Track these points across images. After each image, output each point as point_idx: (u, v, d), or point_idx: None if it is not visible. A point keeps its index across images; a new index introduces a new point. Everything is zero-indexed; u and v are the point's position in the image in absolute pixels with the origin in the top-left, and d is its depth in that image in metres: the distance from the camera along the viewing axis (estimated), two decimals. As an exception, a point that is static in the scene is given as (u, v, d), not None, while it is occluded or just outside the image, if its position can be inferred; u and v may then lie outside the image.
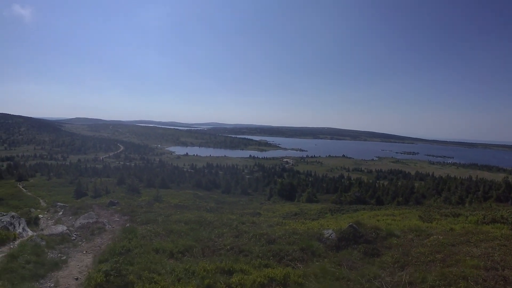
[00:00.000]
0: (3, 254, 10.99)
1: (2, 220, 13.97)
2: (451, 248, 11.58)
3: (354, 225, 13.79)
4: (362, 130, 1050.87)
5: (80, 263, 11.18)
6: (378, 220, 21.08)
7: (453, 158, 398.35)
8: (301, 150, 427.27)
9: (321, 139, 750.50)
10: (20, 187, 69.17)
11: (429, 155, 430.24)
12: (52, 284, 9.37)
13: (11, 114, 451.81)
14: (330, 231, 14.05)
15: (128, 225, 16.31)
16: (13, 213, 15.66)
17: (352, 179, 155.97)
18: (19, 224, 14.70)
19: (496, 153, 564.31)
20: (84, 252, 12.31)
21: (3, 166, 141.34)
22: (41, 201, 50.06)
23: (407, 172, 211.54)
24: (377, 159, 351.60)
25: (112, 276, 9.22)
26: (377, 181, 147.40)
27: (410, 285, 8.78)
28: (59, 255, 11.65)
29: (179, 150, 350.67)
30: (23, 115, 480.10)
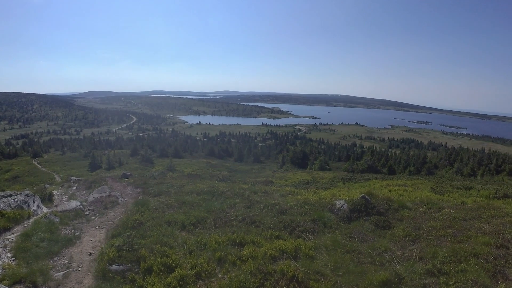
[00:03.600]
0: (18, 233, 11.10)
1: (16, 200, 14.07)
2: (462, 223, 11.52)
3: (366, 196, 13.71)
4: (376, 98, 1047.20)
5: (93, 238, 11.27)
6: (390, 191, 20.98)
7: (466, 129, 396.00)
8: (314, 117, 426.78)
9: (334, 106, 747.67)
10: (35, 163, 70.17)
11: (443, 125, 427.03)
12: (66, 261, 9.45)
13: (24, 92, 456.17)
14: (342, 201, 14.00)
15: (140, 197, 16.39)
16: (27, 191, 15.78)
17: (364, 147, 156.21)
18: (34, 202, 14.84)
19: (511, 126, 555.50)
20: (97, 227, 12.39)
21: (18, 144, 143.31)
22: (56, 176, 50.77)
23: (419, 142, 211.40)
24: (390, 127, 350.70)
25: (124, 251, 9.28)
26: (390, 150, 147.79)
27: (420, 260, 8.72)
28: (72, 231, 11.75)
29: (191, 119, 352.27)
30: (35, 92, 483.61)
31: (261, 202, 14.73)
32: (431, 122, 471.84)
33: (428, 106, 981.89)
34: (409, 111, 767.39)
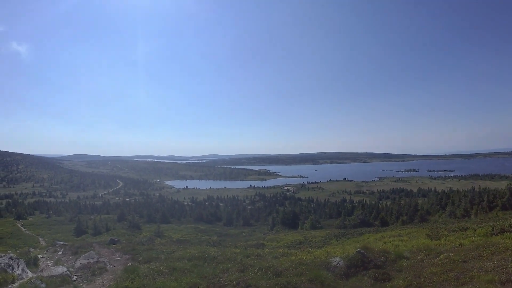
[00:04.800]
0: (1, 299, 10.66)
1: None
2: (463, 265, 11.40)
3: (361, 251, 13.51)
4: (361, 152, 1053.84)
5: (81, 306, 10.82)
6: (385, 243, 20.82)
7: (454, 171, 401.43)
8: (301, 176, 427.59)
9: (321, 164, 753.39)
10: (19, 225, 69.21)
11: (430, 171, 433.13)
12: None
13: (9, 151, 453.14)
14: (337, 258, 13.76)
15: (129, 264, 15.99)
16: (11, 254, 15.35)
17: (354, 202, 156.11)
18: (18, 266, 14.40)
19: (496, 161, 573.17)
20: (85, 294, 11.94)
21: (1, 204, 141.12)
22: (40, 239, 49.84)
23: (409, 190, 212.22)
24: (378, 179, 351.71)
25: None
26: (380, 202, 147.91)
27: (426, 308, 8.47)
28: (59, 298, 11.30)
29: (178, 184, 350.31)
30: (21, 152, 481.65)
31: (254, 265, 14.38)
32: (419, 169, 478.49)
33: (414, 154, 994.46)
34: (396, 161, 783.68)
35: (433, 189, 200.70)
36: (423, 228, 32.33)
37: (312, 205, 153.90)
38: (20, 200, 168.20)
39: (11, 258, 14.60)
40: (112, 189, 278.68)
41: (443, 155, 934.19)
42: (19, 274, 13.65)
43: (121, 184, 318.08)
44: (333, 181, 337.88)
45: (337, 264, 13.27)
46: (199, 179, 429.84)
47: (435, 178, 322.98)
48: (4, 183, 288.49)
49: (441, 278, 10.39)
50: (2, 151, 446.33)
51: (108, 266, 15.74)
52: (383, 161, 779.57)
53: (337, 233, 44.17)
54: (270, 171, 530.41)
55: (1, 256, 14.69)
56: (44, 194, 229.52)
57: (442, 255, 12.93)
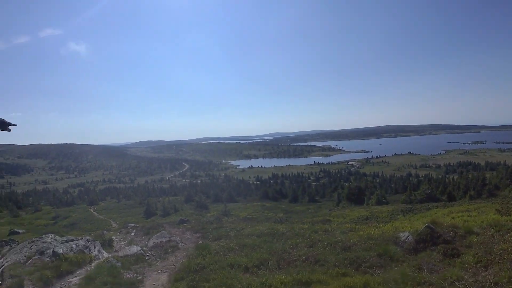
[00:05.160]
0: (81, 277, 11.30)
1: (77, 244, 14.47)
2: None
3: (431, 225, 13.12)
4: (426, 123, 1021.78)
5: (156, 282, 11.24)
6: (453, 218, 20.06)
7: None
8: (365, 151, 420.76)
9: (385, 137, 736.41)
10: (92, 211, 72.27)
11: (498, 142, 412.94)
12: (130, 304, 9.46)
13: (78, 143, 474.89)
14: (406, 233, 13.47)
15: (200, 241, 16.34)
16: (87, 237, 16.21)
17: (420, 176, 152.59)
18: (94, 247, 15.19)
19: None
20: (159, 271, 12.39)
21: (74, 192, 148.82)
22: (112, 223, 51.93)
23: (476, 163, 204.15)
24: (444, 152, 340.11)
25: (189, 294, 9.18)
26: (447, 176, 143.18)
27: (496, 286, 8.14)
28: (135, 275, 11.80)
29: (243, 164, 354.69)
30: (89, 143, 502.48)
31: (323, 240, 14.27)
32: (486, 141, 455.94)
33: (481, 124, 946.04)
34: (462, 132, 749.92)
35: (502, 162, 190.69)
36: (492, 203, 30.87)
37: (378, 180, 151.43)
38: (91, 188, 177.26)
39: (87, 240, 15.43)
40: (178, 172, 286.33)
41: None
42: (96, 255, 14.40)
43: (186, 166, 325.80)
44: (398, 155, 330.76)
45: (406, 239, 13.00)
46: (263, 158, 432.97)
47: (504, 151, 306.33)
48: (75, 173, 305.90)
49: (512, 255, 9.97)
50: (71, 143, 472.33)
51: (180, 244, 16.16)
52: (448, 133, 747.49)
53: (403, 208, 43.34)
54: (334, 147, 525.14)
55: (79, 239, 15.54)
56: (113, 180, 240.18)
57: (513, 232, 12.41)
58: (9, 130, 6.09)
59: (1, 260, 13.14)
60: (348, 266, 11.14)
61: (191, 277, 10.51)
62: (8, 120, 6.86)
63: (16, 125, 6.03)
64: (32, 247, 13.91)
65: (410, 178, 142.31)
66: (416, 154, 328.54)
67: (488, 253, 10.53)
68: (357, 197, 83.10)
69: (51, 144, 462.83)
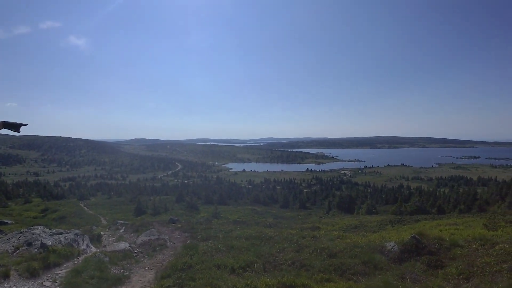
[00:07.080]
0: (68, 270, 11.37)
1: (66, 237, 14.49)
2: None
3: (416, 236, 13.33)
4: (420, 136, 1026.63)
5: (142, 278, 11.34)
6: (440, 230, 20.37)
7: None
8: (358, 161, 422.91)
9: (379, 148, 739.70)
10: (82, 205, 71.98)
11: (491, 158, 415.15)
12: (116, 299, 9.55)
13: (72, 137, 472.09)
14: (392, 243, 13.66)
15: (189, 241, 16.43)
16: (76, 231, 16.20)
17: (411, 188, 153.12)
18: (83, 241, 15.18)
19: None
20: (146, 268, 12.48)
21: (65, 186, 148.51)
22: (102, 219, 51.88)
23: (468, 178, 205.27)
24: (436, 165, 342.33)
25: (174, 292, 9.29)
26: (438, 189, 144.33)
27: (475, 297, 8.38)
28: (121, 271, 11.88)
29: (236, 167, 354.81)
30: (83, 137, 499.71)
31: (310, 246, 14.42)
32: (479, 157, 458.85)
33: (474, 139, 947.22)
34: (455, 146, 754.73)
35: (493, 178, 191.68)
36: (480, 218, 31.31)
37: (369, 190, 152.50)
38: (82, 182, 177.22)
39: (76, 234, 15.39)
40: (171, 172, 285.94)
41: (505, 142, 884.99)
42: (84, 249, 14.39)
43: (179, 166, 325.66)
44: (391, 166, 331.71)
45: (392, 248, 13.19)
46: (256, 162, 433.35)
47: (496, 166, 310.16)
48: (67, 166, 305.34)
49: (494, 269, 10.11)
50: (65, 137, 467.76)
51: (168, 243, 16.24)
52: (442, 147, 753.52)
53: (392, 219, 43.60)
54: (327, 155, 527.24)
55: (68, 232, 15.56)
56: (105, 176, 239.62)
57: (497, 246, 12.55)
58: (19, 131, 6.11)
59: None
60: (333, 272, 11.29)
61: (178, 275, 10.63)
62: (4, 111, 6.76)
63: (27, 124, 6.03)
64: (20, 238, 13.99)
65: (402, 190, 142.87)
66: (408, 166, 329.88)
67: (470, 265, 10.74)
68: (347, 206, 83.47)
69: (45, 136, 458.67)
